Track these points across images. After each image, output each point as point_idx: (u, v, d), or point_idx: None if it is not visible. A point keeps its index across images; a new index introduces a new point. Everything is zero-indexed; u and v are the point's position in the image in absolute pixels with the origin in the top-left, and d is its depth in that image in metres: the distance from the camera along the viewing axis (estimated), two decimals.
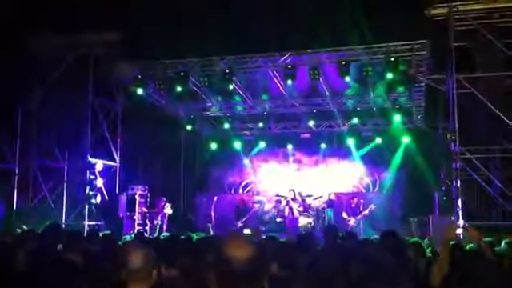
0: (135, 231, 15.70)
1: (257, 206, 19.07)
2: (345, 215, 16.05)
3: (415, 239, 6.71)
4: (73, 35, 15.53)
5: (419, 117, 18.67)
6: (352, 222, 15.76)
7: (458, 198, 12.72)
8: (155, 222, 16.13)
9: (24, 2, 14.49)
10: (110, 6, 14.67)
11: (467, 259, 4.32)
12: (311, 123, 19.92)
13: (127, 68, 15.54)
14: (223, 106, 19.50)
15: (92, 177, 15.89)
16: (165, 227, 16.05)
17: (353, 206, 16.14)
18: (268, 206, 19.41)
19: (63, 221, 15.52)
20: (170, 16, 15.39)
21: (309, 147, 20.24)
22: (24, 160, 16.16)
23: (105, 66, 15.59)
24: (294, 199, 16.68)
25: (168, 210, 16.30)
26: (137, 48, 15.66)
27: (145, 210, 16.67)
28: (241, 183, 20.59)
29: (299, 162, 20.29)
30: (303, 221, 16.69)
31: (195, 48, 15.22)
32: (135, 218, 16.38)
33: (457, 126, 12.98)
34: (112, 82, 16.45)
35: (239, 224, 16.48)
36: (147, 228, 16.15)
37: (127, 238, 9.12)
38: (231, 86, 15.60)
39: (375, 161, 19.19)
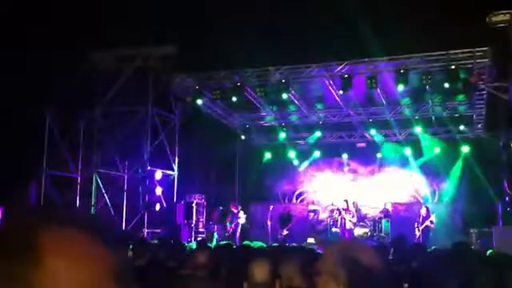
0: (193, 239, 16.01)
1: (311, 215, 19.01)
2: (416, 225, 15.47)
3: None
4: (132, 48, 16.01)
5: (480, 125, 18.15)
6: (417, 232, 15.27)
7: None
8: (214, 230, 16.42)
9: (83, 16, 15.05)
10: (168, 18, 15.06)
11: None
12: (372, 132, 19.35)
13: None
14: (278, 116, 19.54)
15: (151, 185, 16.28)
16: (238, 235, 16.24)
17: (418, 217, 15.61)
18: (323, 216, 19.27)
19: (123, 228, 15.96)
20: (226, 28, 15.63)
21: (364, 156, 20.02)
22: (86, 170, 16.73)
23: (163, 77, 15.98)
24: (347, 210, 16.49)
25: (242, 219, 16.52)
26: (193, 59, 15.99)
27: (201, 217, 16.98)
28: (294, 192, 20.53)
29: (354, 171, 20.04)
30: (359, 231, 16.51)
31: (251, 59, 15.38)
32: (192, 225, 16.70)
33: None
34: (170, 94, 16.80)
35: (284, 232, 16.46)
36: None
37: (192, 245, 9.28)
38: (286, 96, 15.61)
39: (434, 171, 18.73)
